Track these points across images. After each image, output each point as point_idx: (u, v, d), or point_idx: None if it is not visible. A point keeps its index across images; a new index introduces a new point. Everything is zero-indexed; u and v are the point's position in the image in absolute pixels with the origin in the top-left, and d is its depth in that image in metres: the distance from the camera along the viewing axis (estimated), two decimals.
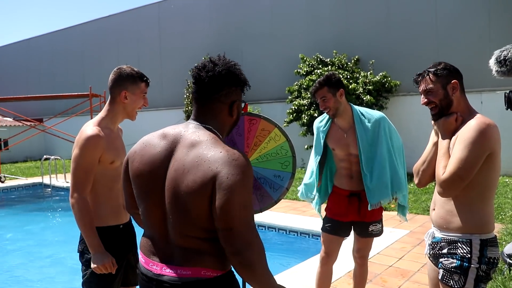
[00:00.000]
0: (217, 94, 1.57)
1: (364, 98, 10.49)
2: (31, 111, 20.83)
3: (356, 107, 3.08)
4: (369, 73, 11.23)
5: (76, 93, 14.46)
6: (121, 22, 18.59)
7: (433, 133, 2.30)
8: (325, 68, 11.50)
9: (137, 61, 17.12)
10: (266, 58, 14.09)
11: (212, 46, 14.92)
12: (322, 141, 3.15)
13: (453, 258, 2.06)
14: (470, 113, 2.10)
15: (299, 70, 12.08)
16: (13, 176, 13.26)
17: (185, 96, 14.22)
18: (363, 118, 3.02)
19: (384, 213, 6.23)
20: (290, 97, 12.20)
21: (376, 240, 3.33)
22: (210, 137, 1.53)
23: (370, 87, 10.87)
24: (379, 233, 3.15)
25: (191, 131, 1.57)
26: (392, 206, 7.28)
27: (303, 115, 11.40)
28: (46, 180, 11.87)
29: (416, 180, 2.37)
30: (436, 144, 2.22)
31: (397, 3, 11.66)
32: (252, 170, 1.49)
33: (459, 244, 2.05)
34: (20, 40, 23.16)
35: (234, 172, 1.41)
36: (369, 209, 2.97)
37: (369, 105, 10.24)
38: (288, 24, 13.65)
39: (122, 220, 2.40)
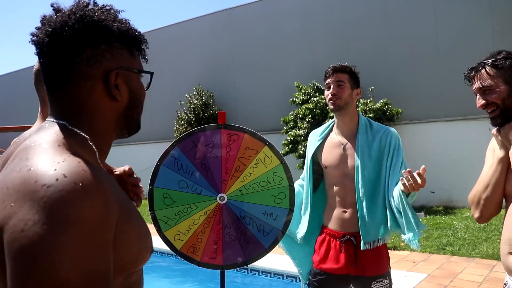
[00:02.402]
0: (72, 64, 0.87)
1: None
2: None
3: (366, 118, 2.44)
4: (369, 100, 10.61)
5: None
6: None
7: (494, 146, 1.73)
8: (322, 96, 10.90)
9: None
10: (259, 88, 13.52)
11: (203, 77, 14.43)
12: (310, 155, 2.40)
13: None
14: None
15: (294, 99, 11.49)
16: None
17: (174, 128, 13.70)
18: (369, 128, 2.38)
19: (394, 253, 5.33)
20: (285, 128, 11.58)
21: None
22: (50, 138, 0.82)
23: (370, 115, 10.21)
24: None
25: (34, 133, 0.89)
26: (402, 244, 6.45)
27: (300, 146, 10.73)
28: None
29: (476, 214, 1.74)
30: (502, 161, 1.64)
31: (397, 28, 11.21)
32: (101, 204, 0.71)
33: None
34: None
35: (39, 217, 0.65)
36: (361, 248, 2.18)
37: None
38: (282, 52, 13.16)
39: None
